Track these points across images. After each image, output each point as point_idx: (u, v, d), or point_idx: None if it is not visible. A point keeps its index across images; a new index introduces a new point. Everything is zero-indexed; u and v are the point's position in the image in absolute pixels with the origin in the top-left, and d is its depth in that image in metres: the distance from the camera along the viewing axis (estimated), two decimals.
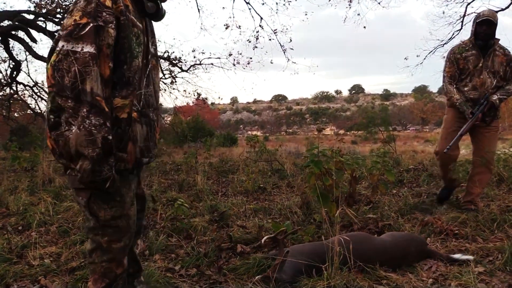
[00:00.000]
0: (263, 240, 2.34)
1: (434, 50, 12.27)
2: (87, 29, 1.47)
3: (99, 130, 1.47)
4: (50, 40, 12.00)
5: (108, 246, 1.70)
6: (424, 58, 12.48)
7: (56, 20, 11.10)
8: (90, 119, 1.46)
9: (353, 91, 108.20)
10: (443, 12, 11.42)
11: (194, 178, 5.79)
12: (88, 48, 1.46)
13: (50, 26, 11.36)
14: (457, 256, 2.64)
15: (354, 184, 3.78)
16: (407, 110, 74.59)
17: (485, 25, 3.71)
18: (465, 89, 3.84)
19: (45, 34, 10.63)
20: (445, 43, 12.03)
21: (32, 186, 5.84)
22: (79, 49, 1.46)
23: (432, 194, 4.69)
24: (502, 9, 11.20)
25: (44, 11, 10.25)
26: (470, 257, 2.61)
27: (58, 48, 1.47)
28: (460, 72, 3.87)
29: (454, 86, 3.88)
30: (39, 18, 10.61)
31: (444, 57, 3.95)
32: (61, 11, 10.18)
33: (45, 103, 1.68)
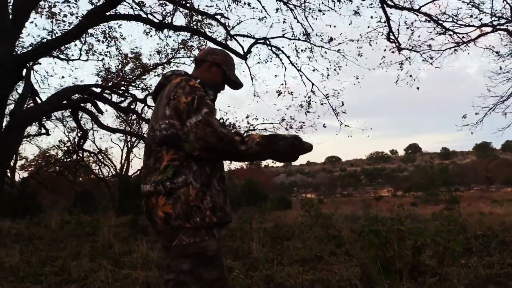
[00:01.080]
0: None
1: (494, 107, 11.80)
2: (198, 97, 1.85)
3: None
4: (114, 111, 12.92)
5: None
6: (484, 116, 11.98)
7: (120, 92, 11.99)
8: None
9: (410, 151, 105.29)
10: (500, 68, 11.05)
11: (249, 245, 5.72)
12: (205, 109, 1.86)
13: (115, 98, 12.29)
14: None
15: (417, 254, 3.56)
16: (470, 169, 70.92)
17: None
18: None
19: (110, 105, 11.46)
20: (505, 99, 11.57)
21: (93, 252, 6.01)
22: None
23: (506, 265, 4.31)
24: None
25: (110, 84, 11.13)
26: None
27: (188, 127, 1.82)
28: None
29: None
30: (106, 91, 11.51)
31: (505, 114, 3.72)
32: (125, 83, 11.00)
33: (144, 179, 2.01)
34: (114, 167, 27.27)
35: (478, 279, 3.72)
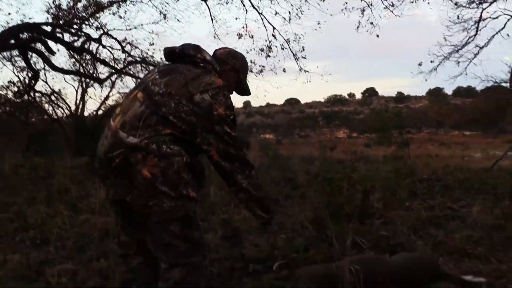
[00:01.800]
0: (274, 267, 2.37)
1: (448, 56, 12.15)
2: (231, 118, 1.94)
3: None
4: (66, 51, 12.26)
5: (199, 265, 1.86)
6: (438, 64, 12.35)
7: (73, 30, 11.32)
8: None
9: (366, 94, 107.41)
10: (458, 17, 11.25)
11: (207, 189, 5.82)
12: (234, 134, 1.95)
13: (67, 37, 11.60)
14: (469, 278, 2.63)
15: (366, 200, 3.79)
16: (422, 113, 73.72)
17: None
18: None
19: (62, 44, 10.84)
20: (459, 49, 11.91)
21: (49, 197, 5.94)
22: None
23: (446, 208, 4.67)
24: None
25: (62, 22, 10.45)
26: (483, 280, 2.60)
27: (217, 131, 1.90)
28: None
29: None
30: (57, 30, 10.82)
31: (458, 63, 3.83)
32: (78, 21, 10.37)
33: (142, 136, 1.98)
34: (68, 108, 26.27)
35: (420, 221, 4.02)
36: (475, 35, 11.53)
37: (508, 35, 11.65)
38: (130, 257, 2.06)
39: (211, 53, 2.18)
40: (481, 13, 11.10)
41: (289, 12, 11.39)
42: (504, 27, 11.56)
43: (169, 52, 2.12)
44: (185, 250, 1.82)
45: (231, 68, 2.17)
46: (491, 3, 10.79)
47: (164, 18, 12.13)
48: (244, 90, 2.27)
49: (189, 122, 1.87)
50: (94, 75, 13.92)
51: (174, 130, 1.85)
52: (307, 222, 4.02)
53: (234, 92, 2.26)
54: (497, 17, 11.31)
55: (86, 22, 11.42)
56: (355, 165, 4.23)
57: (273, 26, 11.43)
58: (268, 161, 8.50)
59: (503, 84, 13.72)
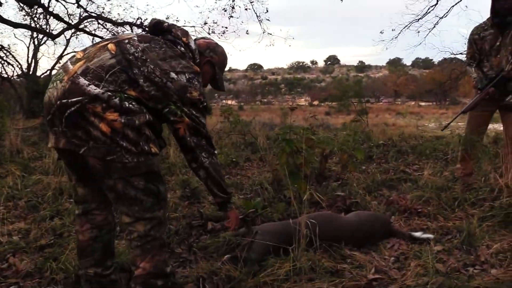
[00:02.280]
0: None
1: (409, 25, 12.31)
2: (204, 105, 1.95)
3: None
4: (16, 2, 11.46)
5: (163, 218, 1.90)
6: (399, 33, 12.51)
7: None
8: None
9: (329, 62, 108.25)
10: None
11: (167, 150, 5.76)
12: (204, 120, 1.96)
13: None
14: (418, 234, 2.76)
15: (324, 162, 3.86)
16: (381, 83, 75.41)
17: (502, 0, 3.54)
18: (485, 69, 3.78)
19: None
20: (420, 18, 12.11)
21: (0, 158, 5.70)
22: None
23: (399, 171, 4.85)
24: None
25: None
26: (431, 236, 2.75)
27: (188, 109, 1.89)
28: (479, 53, 3.80)
29: (474, 66, 3.81)
30: None
31: (418, 32, 3.93)
32: None
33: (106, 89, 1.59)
34: (20, 66, 24.91)
35: (374, 183, 4.17)
36: (435, 4, 11.72)
37: (466, 6, 11.95)
38: (91, 213, 2.02)
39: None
40: None
41: None
42: None
43: (156, 24, 2.07)
44: (151, 205, 1.82)
45: (208, 61, 2.14)
46: None
47: None
48: (218, 85, 2.25)
49: (162, 90, 1.82)
50: (47, 30, 13.14)
51: (141, 95, 1.79)
52: (266, 183, 4.08)
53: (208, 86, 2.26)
54: None
55: None
56: (315, 129, 4.28)
57: None
58: (229, 126, 8.46)
59: (458, 56, 14.18)
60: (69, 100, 1.71)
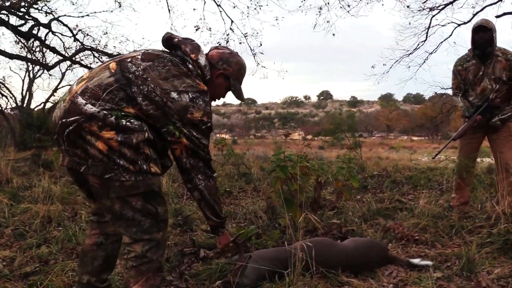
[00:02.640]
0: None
1: (399, 60, 12.60)
2: (207, 126, 1.89)
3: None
4: (13, 34, 11.59)
5: (162, 240, 1.85)
6: (390, 67, 12.79)
7: (20, 14, 10.72)
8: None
9: (322, 97, 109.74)
10: (409, 23, 11.74)
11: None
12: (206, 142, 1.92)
13: (14, 20, 10.97)
14: (416, 261, 2.69)
15: (319, 189, 3.80)
16: (373, 117, 76.28)
17: (481, 32, 3.74)
18: (470, 98, 3.90)
19: (7, 27, 10.23)
20: (410, 53, 12.39)
21: None
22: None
23: (395, 200, 4.80)
24: (464, 23, 11.64)
25: (7, 4, 9.86)
26: (429, 263, 2.68)
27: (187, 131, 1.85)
28: (464, 83, 3.94)
29: (460, 96, 3.95)
30: (2, 12, 10.20)
31: (409, 67, 4.05)
32: (25, 4, 9.82)
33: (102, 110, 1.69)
34: (14, 98, 24.93)
35: (370, 211, 4.11)
36: (424, 40, 12.02)
37: (455, 42, 12.28)
38: (104, 222, 2.03)
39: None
40: (431, 19, 11.59)
41: (248, 6, 11.37)
42: (451, 34, 12.16)
43: (167, 39, 2.06)
44: (149, 226, 1.79)
45: (220, 74, 2.08)
46: (440, 10, 11.29)
47: (119, 6, 11.77)
48: (236, 95, 2.19)
49: (161, 110, 1.80)
50: (43, 62, 13.24)
51: (140, 112, 1.78)
52: (260, 212, 4.01)
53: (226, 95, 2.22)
54: (444, 25, 11.87)
55: (35, 6, 10.84)
56: (309, 158, 4.26)
57: (231, 20, 11.40)
58: (223, 158, 8.42)
59: (449, 91, 14.45)
60: (68, 120, 1.73)
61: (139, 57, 1.87)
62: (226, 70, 2.08)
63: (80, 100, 1.73)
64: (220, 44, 11.51)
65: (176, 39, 2.02)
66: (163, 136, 1.84)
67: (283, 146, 3.83)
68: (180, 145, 1.84)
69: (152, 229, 1.80)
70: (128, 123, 1.72)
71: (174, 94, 1.80)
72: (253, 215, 3.95)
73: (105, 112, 1.70)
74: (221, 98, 2.22)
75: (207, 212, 2.01)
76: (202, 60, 2.00)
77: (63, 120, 1.74)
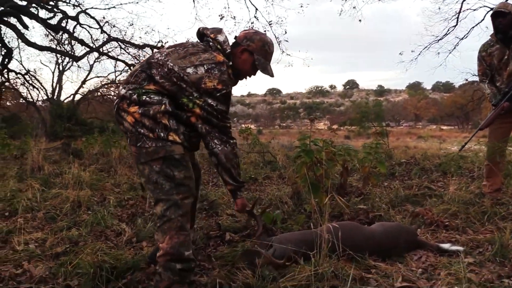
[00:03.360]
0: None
1: (429, 46, 12.30)
2: (221, 92, 2.05)
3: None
4: (43, 27, 11.86)
5: (182, 202, 2.00)
6: (419, 54, 12.50)
7: (49, 7, 10.94)
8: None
9: (348, 86, 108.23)
10: (439, 8, 11.39)
11: None
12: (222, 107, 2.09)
13: (43, 13, 11.21)
14: (446, 246, 2.62)
15: (345, 175, 3.75)
16: (401, 106, 74.77)
17: (500, 17, 3.68)
18: (498, 84, 3.83)
19: (37, 21, 10.47)
20: (440, 39, 12.04)
21: (21, 173, 5.77)
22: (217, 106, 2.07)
23: (423, 187, 4.69)
24: None
25: None
26: (460, 248, 2.60)
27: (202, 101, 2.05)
28: (489, 69, 3.87)
29: (487, 82, 3.88)
30: (32, 5, 10.43)
31: (438, 53, 3.94)
32: None
33: (124, 89, 2.12)
34: (44, 90, 25.63)
35: (398, 198, 4.03)
36: (455, 25, 11.67)
37: (487, 27, 11.85)
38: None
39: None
40: (462, 3, 11.22)
41: None
42: (483, 19, 11.74)
43: (198, 31, 2.32)
44: (168, 189, 1.99)
45: (244, 49, 2.24)
46: None
47: None
48: (261, 69, 2.28)
49: (177, 85, 2.04)
50: (72, 54, 13.49)
51: (160, 87, 2.06)
52: (285, 197, 3.99)
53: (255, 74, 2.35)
54: (476, 9, 11.47)
55: None
56: (334, 143, 4.19)
57: (255, 7, 11.33)
58: (248, 147, 8.42)
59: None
60: (115, 103, 2.15)
61: (166, 46, 2.25)
62: (249, 46, 2.24)
63: (121, 87, 2.15)
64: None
65: (200, 28, 2.30)
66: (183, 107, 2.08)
67: (310, 127, 3.78)
68: (194, 114, 2.06)
69: (171, 191, 1.99)
70: (147, 98, 2.03)
71: (190, 69, 2.04)
72: (278, 201, 3.93)
73: (130, 92, 2.06)
74: (251, 76, 2.36)
75: (224, 176, 2.17)
76: (221, 37, 2.23)
77: (114, 104, 2.14)
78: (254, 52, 2.23)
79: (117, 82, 22.94)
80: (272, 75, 2.32)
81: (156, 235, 2.02)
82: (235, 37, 2.30)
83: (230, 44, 2.27)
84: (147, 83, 2.06)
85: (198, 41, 2.29)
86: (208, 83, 2.02)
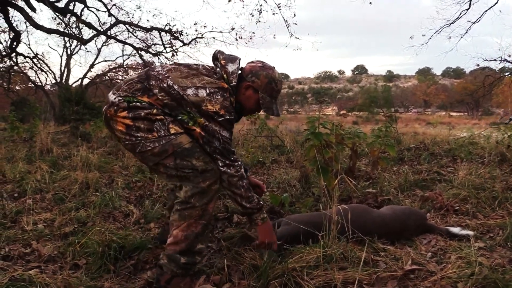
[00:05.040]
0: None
1: (440, 30, 12.12)
2: (223, 118, 1.95)
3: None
4: (50, 10, 11.80)
5: (208, 189, 1.92)
6: (430, 38, 12.31)
7: None
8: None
9: (356, 72, 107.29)
10: None
11: None
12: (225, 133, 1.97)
13: None
14: (456, 230, 2.59)
15: (354, 158, 3.72)
16: (410, 92, 74.05)
17: None
18: None
19: (44, 3, 10.41)
20: (451, 23, 11.84)
21: (30, 156, 5.80)
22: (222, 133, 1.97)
23: (433, 172, 4.64)
24: None
25: None
26: (470, 232, 2.56)
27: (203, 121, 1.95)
28: None
29: None
30: None
31: (450, 38, 3.77)
32: None
33: (115, 94, 1.95)
34: (53, 74, 25.67)
35: (407, 182, 3.98)
36: (468, 9, 11.43)
37: (500, 11, 11.62)
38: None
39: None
40: None
41: None
42: (497, 2, 11.50)
43: (213, 54, 2.20)
44: (193, 177, 1.90)
45: (248, 86, 2.10)
46: None
47: None
48: (264, 109, 2.13)
49: (176, 101, 1.94)
50: (79, 37, 13.46)
51: (155, 101, 1.94)
52: (293, 181, 3.97)
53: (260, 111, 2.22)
54: None
55: None
56: (343, 126, 4.14)
57: None
58: (255, 132, 8.39)
59: (491, 64, 13.77)
60: (103, 109, 2.02)
61: (169, 63, 2.13)
62: (254, 83, 2.09)
63: (110, 93, 2.02)
64: (251, 15, 11.33)
65: (216, 51, 2.17)
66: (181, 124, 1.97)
67: (319, 110, 3.73)
68: (195, 132, 1.95)
69: (198, 179, 1.90)
70: (137, 103, 1.91)
71: (190, 90, 1.94)
72: (286, 184, 3.91)
73: (119, 98, 1.94)
74: (255, 113, 2.28)
75: (233, 199, 2.07)
76: (231, 67, 2.07)
77: (103, 115, 2.03)
78: (259, 89, 2.09)
79: (124, 66, 22.91)
80: (277, 115, 2.19)
81: (172, 217, 1.94)
82: (241, 69, 2.14)
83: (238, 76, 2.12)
84: (141, 95, 1.94)
85: (208, 65, 2.15)
86: (209, 106, 1.93)
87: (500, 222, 2.75)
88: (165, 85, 1.94)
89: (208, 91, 1.94)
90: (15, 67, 19.80)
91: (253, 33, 12.04)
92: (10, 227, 2.85)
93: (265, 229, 2.09)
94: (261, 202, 2.09)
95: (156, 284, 1.93)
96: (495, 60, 14.14)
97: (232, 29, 12.12)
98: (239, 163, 2.01)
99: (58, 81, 25.55)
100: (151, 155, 1.90)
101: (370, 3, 11.06)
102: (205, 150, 1.96)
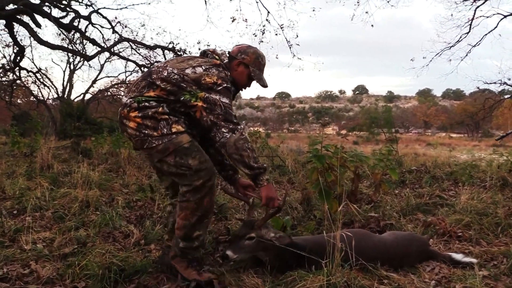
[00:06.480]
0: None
1: (441, 53, 12.20)
2: (222, 86, 2.18)
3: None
4: (55, 26, 11.92)
5: (202, 186, 2.14)
6: (431, 60, 12.42)
7: (62, 6, 11.01)
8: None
9: (357, 92, 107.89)
10: (451, 15, 11.30)
11: None
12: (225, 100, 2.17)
13: (56, 12, 11.28)
14: (459, 257, 2.56)
15: (356, 181, 3.71)
16: (410, 113, 74.30)
17: None
18: None
19: (49, 19, 10.52)
20: (452, 46, 11.95)
21: (30, 171, 5.77)
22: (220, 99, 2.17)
23: (435, 196, 4.61)
24: (510, 14, 11.09)
25: None
26: (474, 260, 2.54)
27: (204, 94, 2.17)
28: None
29: None
30: (45, 3, 10.50)
31: (450, 60, 3.82)
32: None
33: (128, 96, 2.33)
34: (55, 89, 25.82)
35: (409, 206, 3.96)
36: (468, 32, 11.56)
37: (500, 35, 11.73)
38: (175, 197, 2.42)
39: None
40: (475, 10, 11.11)
41: None
42: (496, 26, 11.62)
43: (201, 52, 2.50)
44: (190, 176, 2.13)
45: (239, 62, 2.38)
46: (485, 1, 10.80)
47: None
48: (256, 80, 2.41)
49: (178, 85, 2.17)
50: (83, 53, 13.56)
51: (160, 92, 2.19)
52: (295, 203, 3.94)
53: (251, 84, 2.48)
54: (489, 16, 11.34)
55: None
56: (345, 149, 4.13)
57: (267, 10, 11.29)
58: (257, 151, 8.39)
59: (491, 87, 13.87)
60: (118, 111, 2.31)
61: (166, 59, 2.35)
62: (244, 59, 2.38)
63: (122, 98, 2.39)
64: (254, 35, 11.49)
65: (205, 49, 2.47)
66: (186, 106, 2.19)
67: (320, 138, 3.72)
68: (198, 107, 2.15)
69: (193, 177, 2.13)
70: (146, 103, 2.17)
71: (188, 70, 2.19)
72: (288, 206, 3.88)
73: (130, 99, 2.22)
74: (247, 87, 2.49)
75: (239, 165, 2.17)
76: (220, 51, 2.41)
77: (118, 116, 2.30)
78: (249, 64, 2.38)
79: (127, 82, 23.03)
80: (266, 86, 2.45)
81: (177, 207, 2.25)
82: (229, 52, 2.44)
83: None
84: (147, 90, 2.20)
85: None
86: (207, 79, 2.16)
87: (503, 250, 2.73)
88: (165, 73, 2.19)
89: (204, 68, 2.20)
90: (18, 81, 19.91)
91: None
92: (8, 245, 2.82)
93: (269, 187, 2.27)
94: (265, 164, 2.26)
95: (162, 256, 2.37)
96: (495, 83, 14.24)
97: None
98: (242, 126, 2.20)
99: (60, 95, 25.69)
100: (156, 152, 2.15)
101: (372, 25, 11.13)
102: (206, 124, 2.14)
